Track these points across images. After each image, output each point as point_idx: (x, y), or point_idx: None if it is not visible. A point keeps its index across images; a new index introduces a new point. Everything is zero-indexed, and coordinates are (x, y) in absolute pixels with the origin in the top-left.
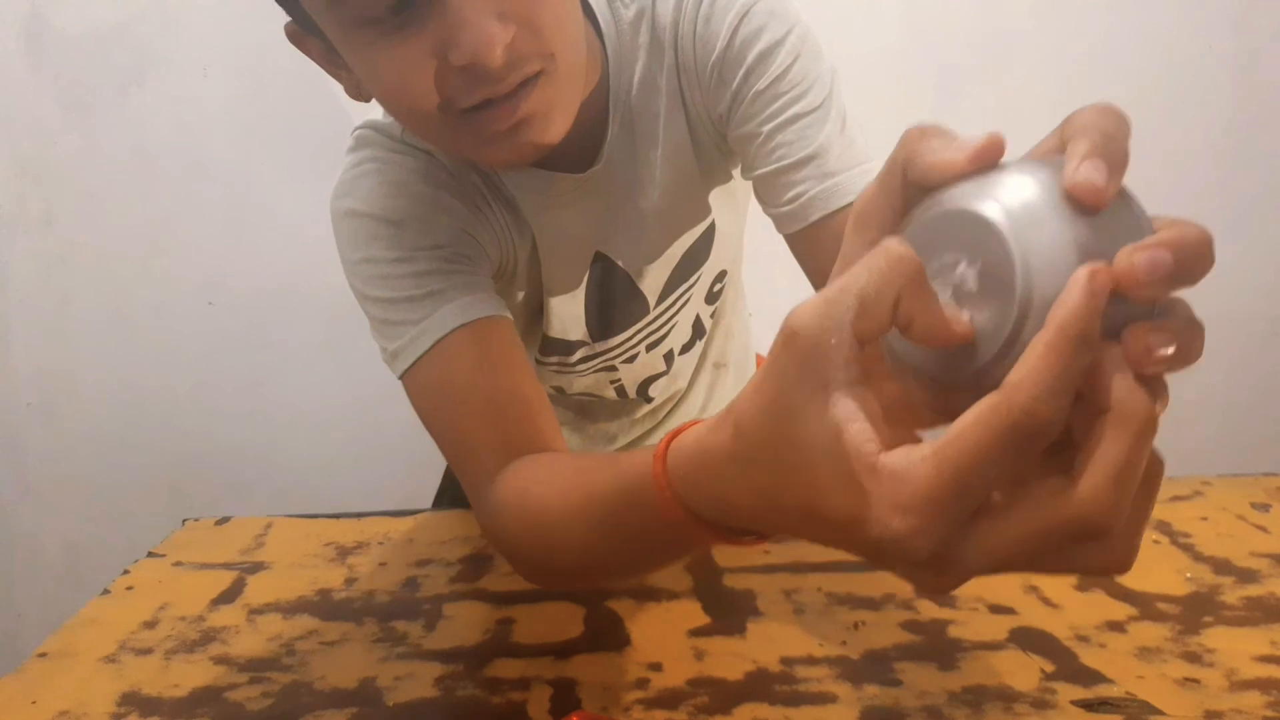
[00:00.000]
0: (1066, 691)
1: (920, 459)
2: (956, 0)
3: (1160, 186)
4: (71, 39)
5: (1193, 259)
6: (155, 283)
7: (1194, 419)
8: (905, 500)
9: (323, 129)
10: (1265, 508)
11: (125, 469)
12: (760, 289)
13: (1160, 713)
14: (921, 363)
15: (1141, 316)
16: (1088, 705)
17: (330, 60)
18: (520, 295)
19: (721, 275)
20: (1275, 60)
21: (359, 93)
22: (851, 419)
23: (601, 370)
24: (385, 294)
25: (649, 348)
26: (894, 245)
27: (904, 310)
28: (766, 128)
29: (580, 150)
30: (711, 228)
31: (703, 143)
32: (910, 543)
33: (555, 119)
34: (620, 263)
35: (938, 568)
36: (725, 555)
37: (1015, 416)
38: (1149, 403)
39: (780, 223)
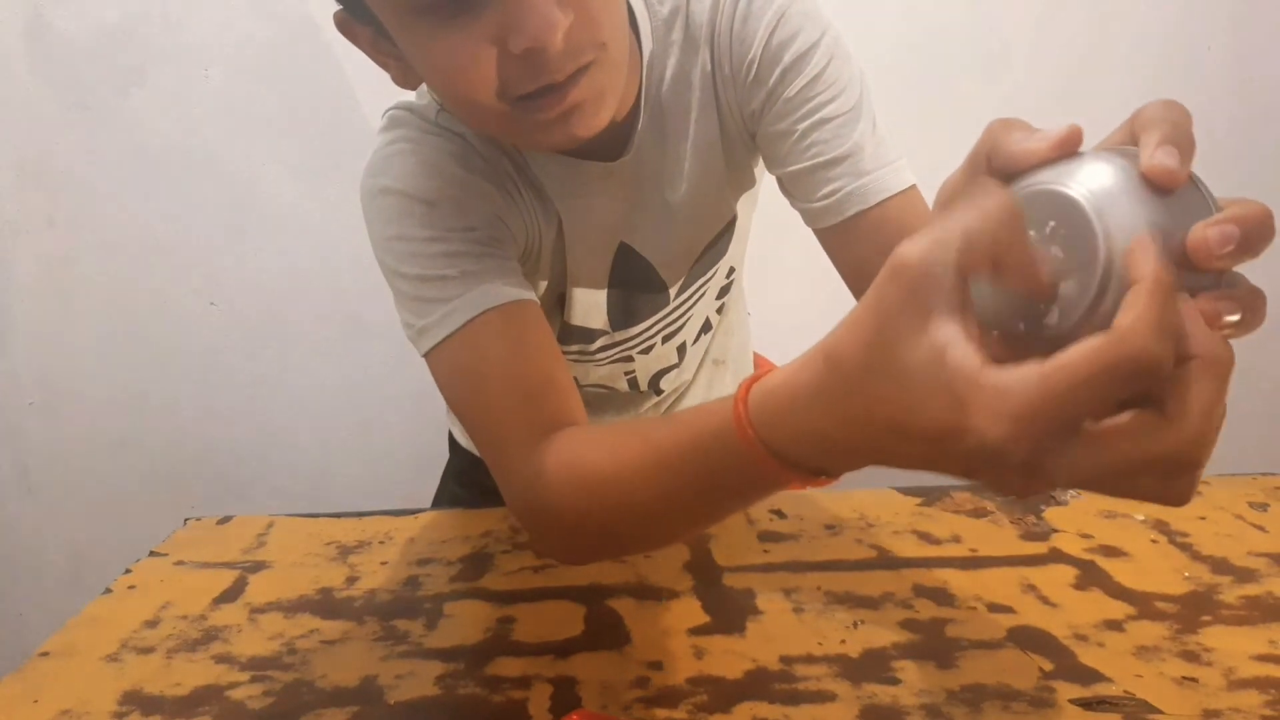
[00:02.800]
0: (1065, 690)
1: (1025, 375)
2: (955, 0)
3: None
4: (73, 39)
5: (1257, 232)
6: (157, 283)
7: None
8: (1008, 410)
9: (324, 129)
10: (1264, 507)
11: (127, 468)
12: (757, 291)
13: (1158, 711)
14: (1009, 318)
15: (1211, 286)
16: (1086, 704)
17: (378, 48)
18: (544, 283)
19: (732, 271)
20: (1275, 60)
21: (406, 80)
22: (956, 338)
23: (618, 360)
24: (416, 271)
25: (665, 339)
26: (998, 190)
27: (1001, 251)
28: (801, 126)
29: (611, 140)
30: (732, 222)
31: (732, 139)
32: (1006, 448)
33: (605, 106)
34: (644, 253)
35: (1027, 474)
36: (725, 555)
37: (1129, 351)
38: (1231, 350)
39: (813, 217)
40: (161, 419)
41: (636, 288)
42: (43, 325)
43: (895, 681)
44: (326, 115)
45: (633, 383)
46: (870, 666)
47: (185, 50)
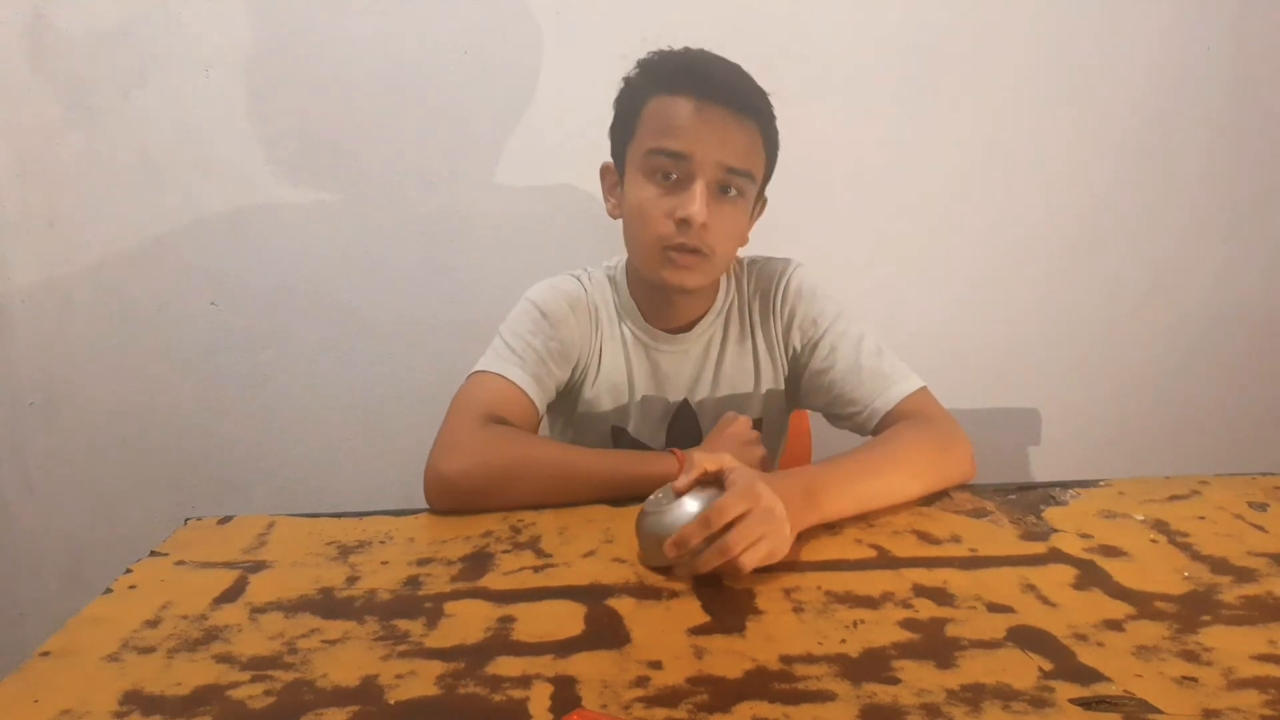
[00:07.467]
0: (1065, 690)
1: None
2: (955, 0)
3: (1160, 186)
4: (74, 39)
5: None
6: (157, 283)
7: (1193, 418)
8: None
9: (323, 129)
10: (1263, 507)
11: (128, 468)
12: None
13: (1158, 711)
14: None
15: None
16: (1086, 704)
17: (613, 189)
18: (610, 395)
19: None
20: (1274, 60)
21: (614, 213)
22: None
23: None
24: (509, 338)
25: None
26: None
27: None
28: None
29: (685, 326)
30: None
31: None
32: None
33: (698, 277)
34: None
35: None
36: None
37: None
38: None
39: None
40: (162, 419)
41: (682, 426)
42: (43, 325)
43: (895, 681)
44: (326, 115)
45: None
46: (870, 666)
47: (185, 50)
